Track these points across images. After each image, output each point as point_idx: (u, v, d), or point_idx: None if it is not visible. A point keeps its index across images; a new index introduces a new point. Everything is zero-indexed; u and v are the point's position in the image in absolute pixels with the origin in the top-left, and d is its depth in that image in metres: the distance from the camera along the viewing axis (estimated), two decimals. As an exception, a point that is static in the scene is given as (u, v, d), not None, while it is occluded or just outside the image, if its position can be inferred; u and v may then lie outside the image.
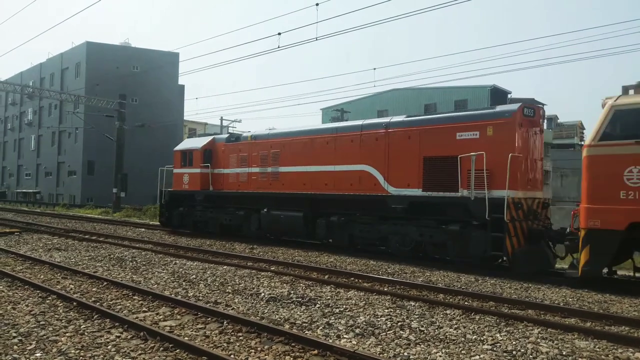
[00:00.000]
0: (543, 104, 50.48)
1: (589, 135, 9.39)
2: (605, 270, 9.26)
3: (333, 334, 5.89)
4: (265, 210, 15.37)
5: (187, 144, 19.47)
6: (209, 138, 18.45)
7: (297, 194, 14.60)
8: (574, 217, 9.71)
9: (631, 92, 9.06)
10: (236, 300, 7.61)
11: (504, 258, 10.90)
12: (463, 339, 5.81)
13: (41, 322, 6.18)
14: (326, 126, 15.94)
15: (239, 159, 16.81)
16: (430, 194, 11.64)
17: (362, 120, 14.10)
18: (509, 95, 48.50)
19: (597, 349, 5.56)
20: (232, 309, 6.99)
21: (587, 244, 8.74)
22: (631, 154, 8.45)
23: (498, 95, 46.98)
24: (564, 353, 5.36)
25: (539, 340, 5.81)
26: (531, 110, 11.10)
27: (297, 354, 5.18)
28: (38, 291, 7.94)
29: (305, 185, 14.46)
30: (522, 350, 5.39)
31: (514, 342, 5.67)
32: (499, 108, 11.27)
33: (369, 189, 12.91)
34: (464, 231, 10.91)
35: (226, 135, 18.49)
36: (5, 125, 66.30)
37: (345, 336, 5.83)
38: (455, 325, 6.38)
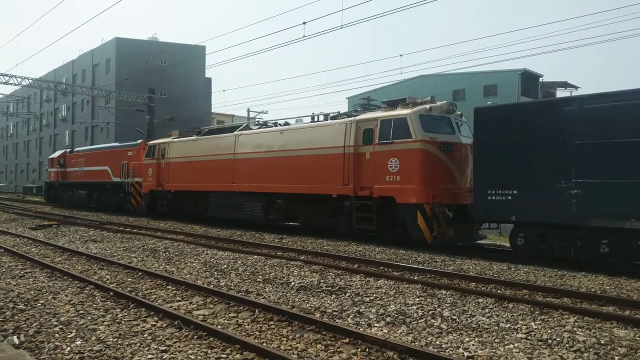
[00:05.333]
0: (576, 87, 48.09)
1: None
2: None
3: (364, 323, 5.89)
4: (76, 190, 29.10)
5: (54, 154, 33.42)
6: (64, 151, 32.57)
7: (84, 181, 28.12)
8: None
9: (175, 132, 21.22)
10: (267, 289, 7.70)
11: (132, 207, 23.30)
12: (496, 327, 5.73)
13: (80, 312, 6.38)
14: (100, 146, 30.89)
15: (73, 163, 30.01)
16: (119, 179, 24.10)
17: (107, 144, 30.26)
18: (540, 79, 46.50)
19: (638, 338, 5.40)
20: (263, 298, 7.07)
21: (145, 198, 21.61)
22: (153, 163, 20.95)
23: (529, 79, 45.03)
24: (602, 342, 5.23)
25: (575, 329, 5.68)
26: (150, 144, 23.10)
27: (329, 342, 5.21)
28: (76, 281, 8.20)
29: (92, 177, 27.17)
30: (558, 339, 5.28)
31: (549, 331, 5.56)
32: (137, 142, 24.68)
33: (107, 178, 25.57)
34: (124, 196, 23.54)
35: (70, 149, 32.47)
36: (41, 122, 68.36)
37: (376, 325, 5.82)
38: (488, 314, 6.29)
